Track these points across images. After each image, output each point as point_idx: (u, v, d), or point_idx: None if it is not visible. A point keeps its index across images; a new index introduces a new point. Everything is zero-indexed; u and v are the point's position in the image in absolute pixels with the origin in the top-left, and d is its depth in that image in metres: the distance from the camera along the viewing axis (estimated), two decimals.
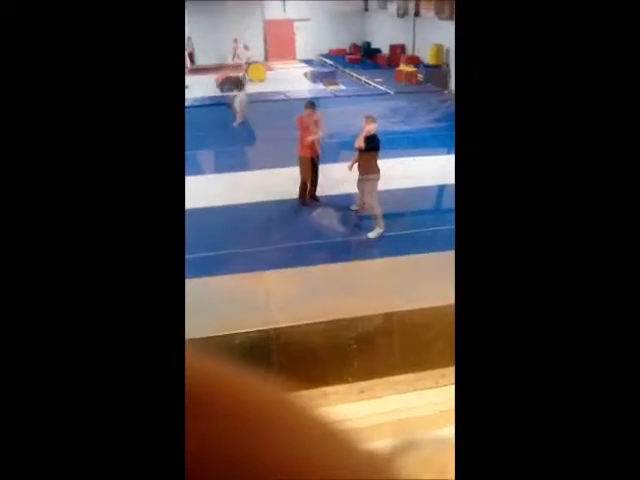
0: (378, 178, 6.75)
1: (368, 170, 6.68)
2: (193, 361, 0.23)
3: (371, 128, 6.64)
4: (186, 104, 15.23)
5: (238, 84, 14.43)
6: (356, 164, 6.82)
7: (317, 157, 7.79)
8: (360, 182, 6.85)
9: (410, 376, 1.72)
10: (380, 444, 1.57)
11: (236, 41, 24.43)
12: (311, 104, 7.88)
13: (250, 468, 0.19)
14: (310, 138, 7.54)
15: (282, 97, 16.65)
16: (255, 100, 15.75)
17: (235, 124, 13.14)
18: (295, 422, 0.23)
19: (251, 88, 18.26)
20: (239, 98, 13.55)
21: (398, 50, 23.49)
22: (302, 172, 7.79)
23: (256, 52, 25.10)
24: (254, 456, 0.19)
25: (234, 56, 24.26)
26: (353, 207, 7.41)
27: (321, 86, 18.92)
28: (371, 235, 6.80)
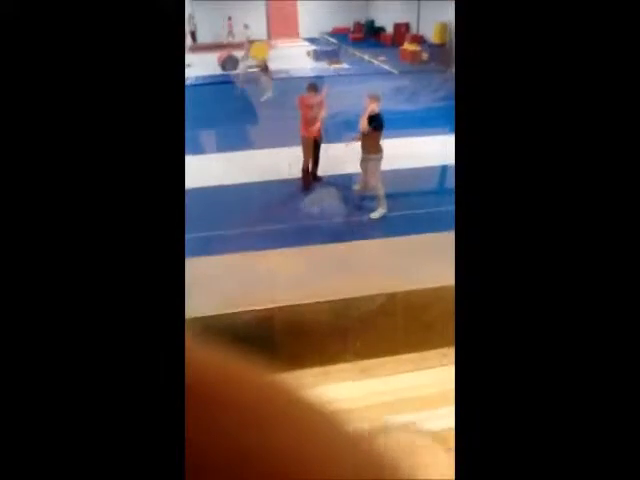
0: (381, 158, 6.72)
1: (371, 150, 6.65)
2: (192, 348, 0.22)
3: (374, 107, 6.59)
4: (188, 83, 15.17)
5: (264, 68, 14.38)
6: (359, 143, 6.79)
7: (320, 138, 7.71)
8: (363, 162, 6.83)
9: (413, 355, 1.73)
10: (381, 423, 1.58)
11: (230, 19, 24.18)
12: (313, 86, 7.67)
13: (250, 459, 0.19)
14: (317, 125, 7.43)
15: (284, 75, 16.55)
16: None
17: (262, 99, 13.14)
18: (297, 412, 0.22)
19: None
20: (265, 74, 13.59)
21: (402, 28, 23.29)
22: (304, 153, 7.72)
23: (258, 30, 24.91)
24: (254, 446, 0.19)
25: (229, 34, 24.10)
26: (356, 187, 7.39)
27: (324, 65, 18.81)
28: (374, 215, 6.79)
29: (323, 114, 7.58)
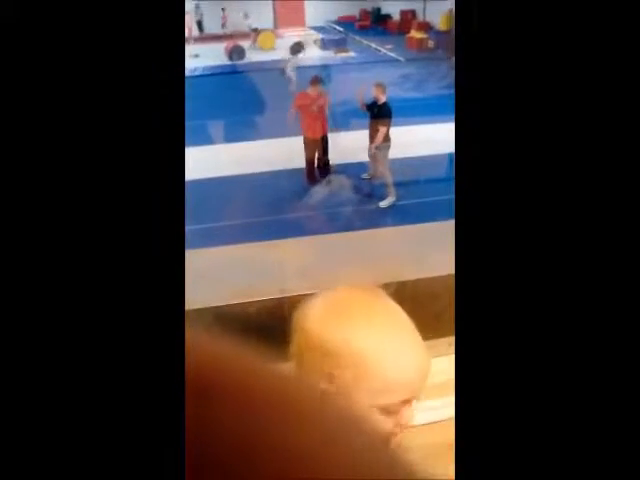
0: (389, 146, 6.69)
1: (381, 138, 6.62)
2: (200, 339, 0.22)
3: (380, 95, 6.56)
4: (195, 73, 15.11)
5: (299, 48, 13.74)
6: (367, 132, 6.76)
7: (325, 136, 7.31)
8: (371, 150, 6.80)
9: None
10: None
11: (224, 10, 23.85)
12: (318, 79, 7.16)
13: (256, 451, 0.18)
14: (321, 123, 7.01)
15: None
16: (264, 68, 15.58)
17: (290, 89, 12.77)
18: (304, 404, 0.22)
19: (261, 56, 18.05)
20: (291, 63, 13.12)
21: (409, 16, 23.07)
22: (307, 153, 7.37)
23: (265, 19, 24.71)
24: (261, 439, 0.19)
25: (223, 25, 23.85)
26: (364, 175, 7.35)
27: (331, 53, 18.67)
28: (383, 204, 6.77)
29: (326, 109, 7.12)
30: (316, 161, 7.46)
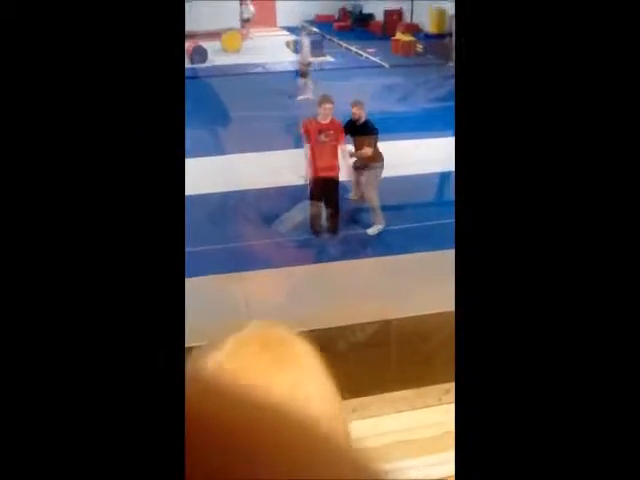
0: (382, 167, 6.65)
1: (369, 158, 6.59)
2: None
3: (360, 113, 6.59)
4: None
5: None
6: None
7: (337, 178, 6.36)
8: (357, 170, 6.77)
9: (409, 392, 1.73)
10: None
11: None
12: (327, 98, 6.30)
13: None
14: (335, 161, 6.10)
15: (260, 69, 16.53)
16: (229, 73, 15.65)
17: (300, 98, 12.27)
18: (300, 448, 0.23)
19: (224, 59, 18.11)
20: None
21: (394, 16, 23.41)
22: (314, 197, 6.45)
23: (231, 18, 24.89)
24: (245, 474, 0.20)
25: None
26: (351, 196, 7.30)
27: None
28: (370, 231, 6.75)
29: (342, 144, 6.28)
30: (324, 212, 6.51)
